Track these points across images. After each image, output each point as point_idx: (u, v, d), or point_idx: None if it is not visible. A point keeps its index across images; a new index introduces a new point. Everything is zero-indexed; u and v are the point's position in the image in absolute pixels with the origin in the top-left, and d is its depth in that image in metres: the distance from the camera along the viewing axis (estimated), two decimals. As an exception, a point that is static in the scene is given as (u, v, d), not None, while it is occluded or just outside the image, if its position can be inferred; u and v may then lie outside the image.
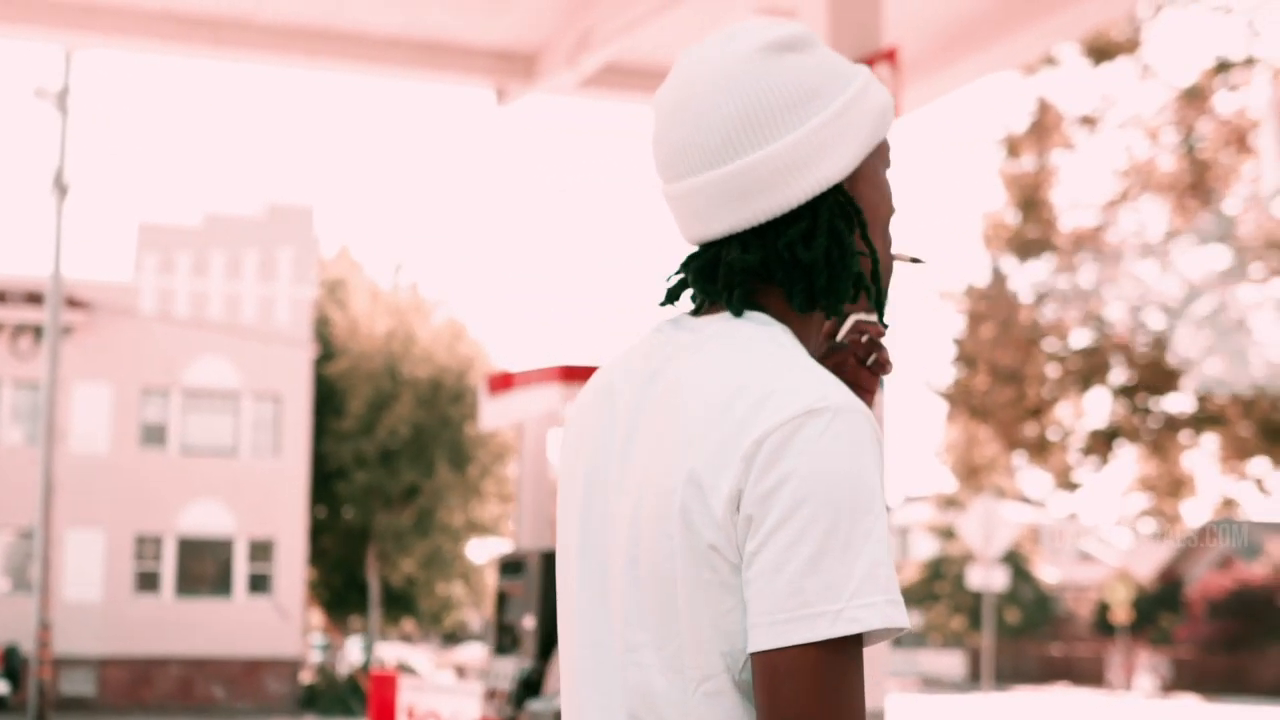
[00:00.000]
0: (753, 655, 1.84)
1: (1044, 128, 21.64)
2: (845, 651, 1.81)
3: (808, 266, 2.00)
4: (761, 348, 1.96)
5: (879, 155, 2.05)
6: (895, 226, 2.11)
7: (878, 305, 2.07)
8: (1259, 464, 22.00)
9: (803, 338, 2.04)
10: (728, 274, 2.03)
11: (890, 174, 2.09)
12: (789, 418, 1.85)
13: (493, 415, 11.92)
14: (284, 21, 11.20)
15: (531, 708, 9.71)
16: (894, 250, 2.12)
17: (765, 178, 1.99)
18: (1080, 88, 33.99)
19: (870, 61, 9.09)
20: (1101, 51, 20.37)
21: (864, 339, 2.18)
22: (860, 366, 2.17)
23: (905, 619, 1.82)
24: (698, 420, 1.92)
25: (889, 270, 2.09)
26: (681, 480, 1.90)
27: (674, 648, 1.92)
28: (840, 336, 2.20)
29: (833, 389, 1.88)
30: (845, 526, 1.81)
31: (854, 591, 1.80)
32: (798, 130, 1.98)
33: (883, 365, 2.17)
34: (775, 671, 1.82)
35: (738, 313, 2.01)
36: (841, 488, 1.82)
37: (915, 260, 2.20)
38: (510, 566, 10.93)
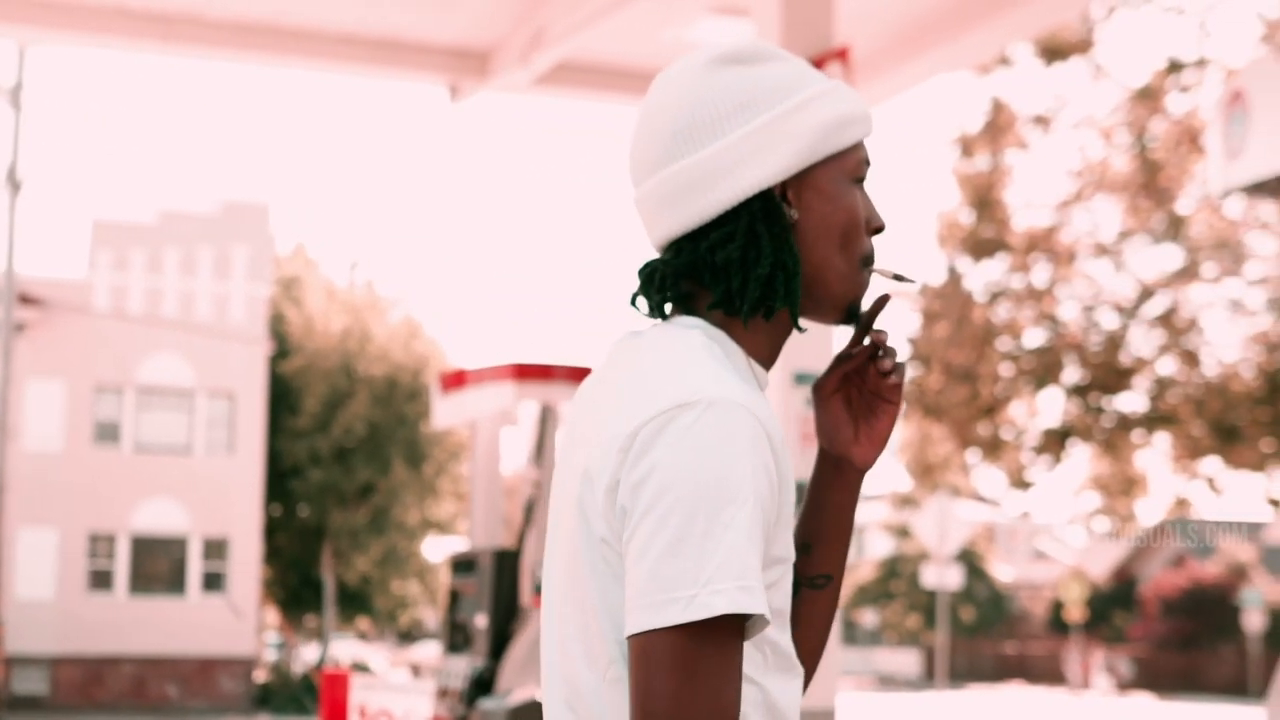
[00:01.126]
0: (626, 640, 1.93)
1: (998, 127, 21.70)
2: (706, 637, 1.86)
3: (724, 269, 2.08)
4: (670, 349, 2.05)
5: (836, 166, 2.12)
6: (866, 238, 2.17)
7: (791, 310, 2.11)
8: (1211, 463, 22.10)
9: (745, 342, 2.11)
10: (660, 279, 2.12)
11: (857, 186, 2.15)
12: (661, 411, 1.94)
13: (445, 413, 11.89)
14: (236, 17, 11.16)
15: (483, 706, 9.69)
16: (878, 265, 2.19)
17: (692, 183, 2.08)
18: (1034, 88, 34.09)
19: (821, 60, 9.10)
20: (1054, 51, 20.44)
21: (866, 347, 2.23)
22: (880, 377, 2.21)
23: (756, 605, 1.86)
24: (598, 420, 2.04)
25: (842, 278, 2.14)
26: (579, 476, 2.02)
27: (588, 638, 2.02)
28: (845, 349, 2.25)
29: (712, 384, 1.95)
30: (706, 515, 1.88)
31: (709, 578, 1.85)
32: (724, 139, 2.07)
33: (889, 373, 2.20)
34: (639, 655, 1.89)
35: (664, 317, 2.13)
36: (704, 478, 1.89)
37: (899, 277, 2.23)
38: (462, 565, 10.91)
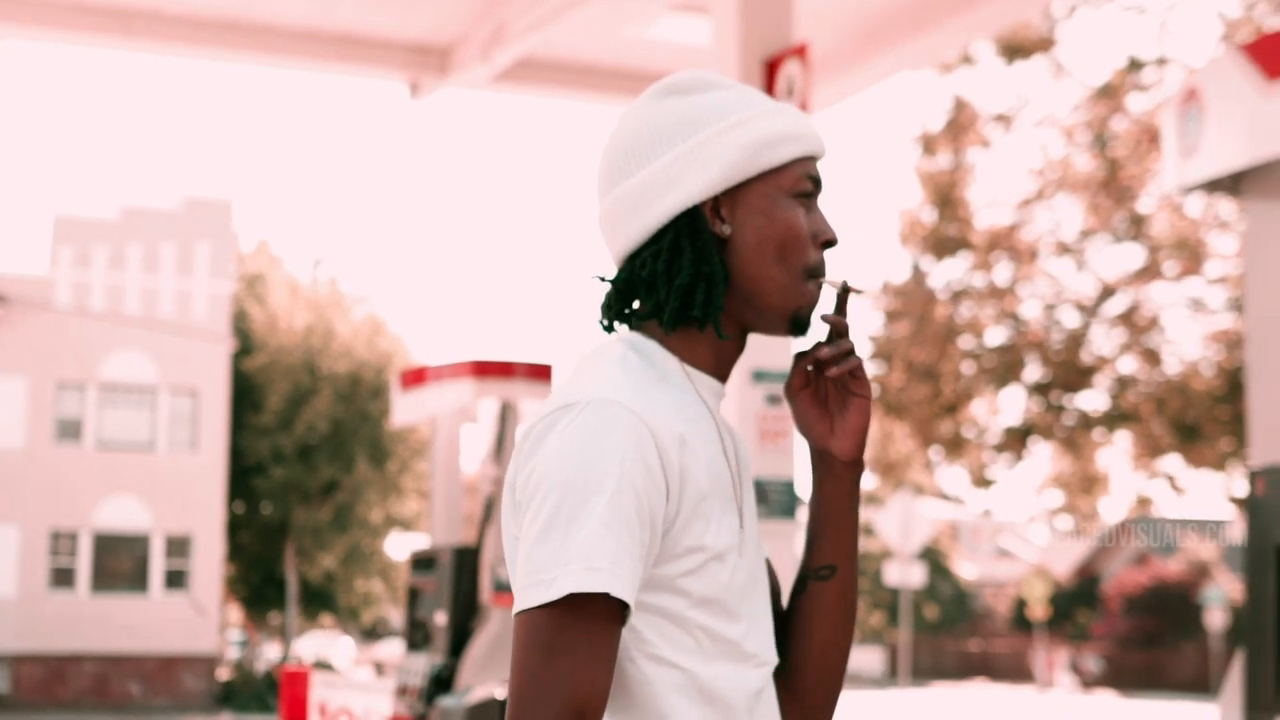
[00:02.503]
0: None
1: (959, 126, 21.73)
2: (567, 618, 2.01)
3: (651, 283, 2.25)
4: (586, 361, 2.23)
5: (770, 184, 2.25)
6: (813, 250, 2.28)
7: (703, 318, 2.23)
8: (1171, 462, 22.17)
9: (683, 351, 2.26)
10: (606, 297, 2.31)
11: (797, 201, 2.27)
12: (549, 413, 2.13)
13: (405, 411, 11.87)
14: (194, 12, 11.12)
15: (443, 704, 9.66)
16: (829, 278, 2.30)
17: (631, 204, 2.26)
18: (996, 86, 34.14)
19: (780, 58, 9.10)
20: (1016, 50, 20.48)
21: (824, 351, 2.31)
22: (852, 378, 2.30)
23: (598, 584, 2.00)
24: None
25: (780, 289, 2.25)
26: (508, 483, 2.18)
27: None
28: (815, 355, 2.32)
29: (599, 387, 2.12)
30: (570, 505, 2.04)
31: (567, 561, 2.01)
32: (656, 161, 2.24)
33: (851, 376, 2.30)
34: (514, 635, 2.06)
35: (608, 329, 2.30)
36: (571, 471, 2.06)
37: (848, 289, 2.31)
38: (422, 562, 10.88)
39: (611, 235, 2.29)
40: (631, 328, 2.30)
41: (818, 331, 2.31)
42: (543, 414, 2.13)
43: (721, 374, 2.28)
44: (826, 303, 2.32)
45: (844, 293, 2.31)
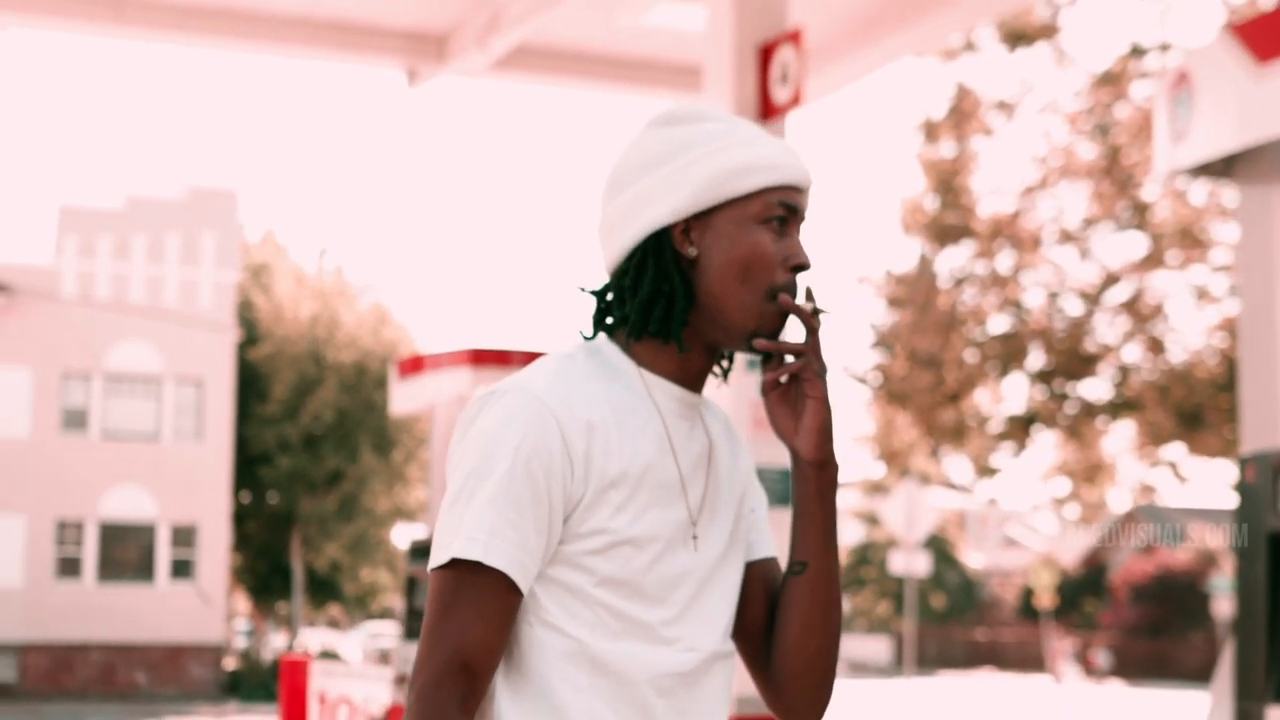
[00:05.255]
0: None
1: (962, 113, 21.66)
2: (460, 580, 2.28)
3: (619, 297, 2.45)
4: (546, 356, 2.44)
5: (738, 210, 2.41)
6: (780, 273, 2.40)
7: (660, 332, 2.41)
8: (1174, 449, 22.12)
9: (649, 360, 2.44)
10: (593, 309, 2.50)
11: (765, 227, 2.41)
12: (478, 399, 2.36)
13: (404, 399, 11.86)
14: (190, 0, 11.09)
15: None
16: (800, 300, 2.43)
17: (612, 225, 2.46)
18: (998, 73, 34.06)
19: (774, 44, 9.07)
20: (1019, 36, 20.41)
21: (766, 375, 2.47)
22: (816, 377, 2.43)
23: (475, 552, 2.26)
24: None
25: (741, 308, 2.40)
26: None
27: None
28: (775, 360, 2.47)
29: (526, 378, 2.35)
30: (473, 482, 2.30)
31: (457, 531, 2.28)
32: (635, 186, 2.44)
33: (801, 378, 2.44)
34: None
35: (589, 339, 2.48)
36: (479, 451, 2.31)
37: (816, 311, 2.43)
38: (421, 551, 10.88)
39: (602, 251, 2.49)
40: (610, 336, 2.48)
41: (793, 330, 2.43)
42: (475, 400, 2.36)
43: (687, 383, 2.45)
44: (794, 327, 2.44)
45: (810, 314, 2.41)
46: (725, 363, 2.52)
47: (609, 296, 2.47)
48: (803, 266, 2.42)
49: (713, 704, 2.44)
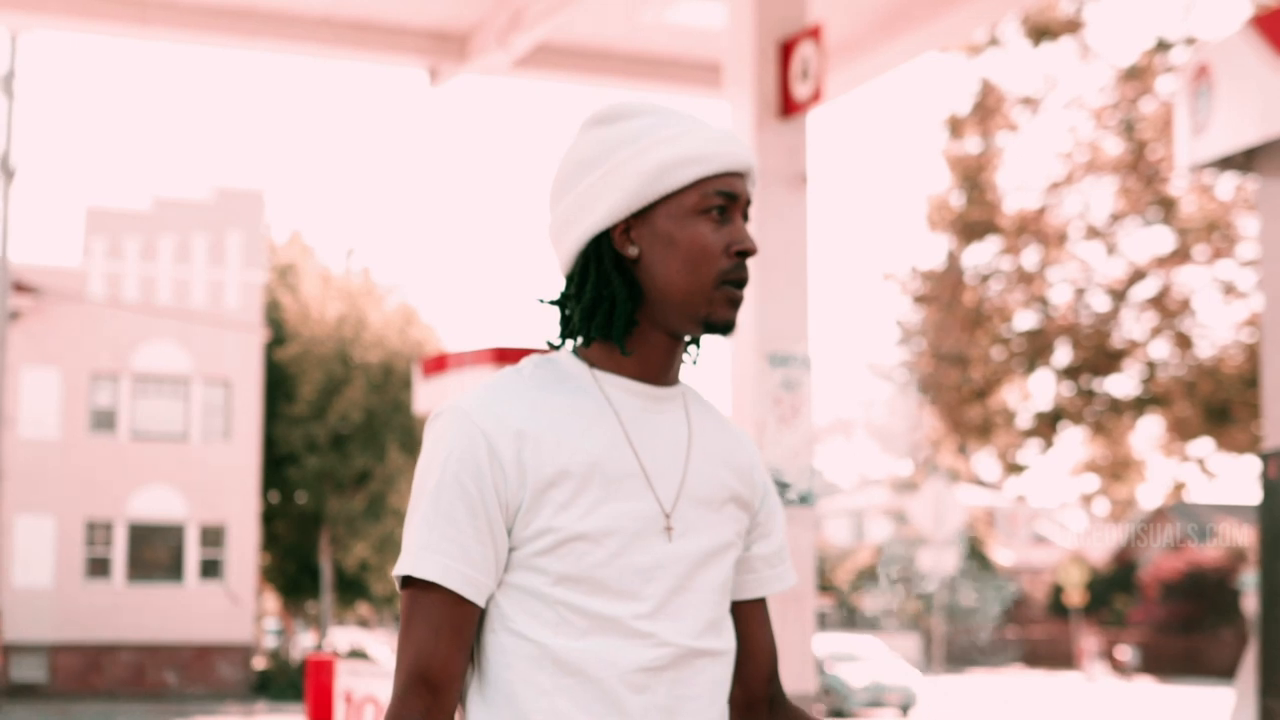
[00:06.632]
0: None
1: (986, 109, 21.59)
2: (414, 596, 2.37)
3: (564, 304, 2.49)
4: (499, 372, 2.49)
5: (674, 205, 2.43)
6: (725, 260, 2.44)
7: (604, 336, 2.45)
8: (1202, 445, 22.02)
9: (600, 359, 2.47)
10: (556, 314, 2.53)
11: (704, 218, 2.43)
12: (428, 421, 2.44)
13: (428, 398, 11.84)
14: (211, 0, 11.10)
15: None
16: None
17: (556, 232, 2.50)
18: (1023, 69, 33.95)
19: (794, 40, 9.04)
20: (1043, 32, 20.34)
21: None
22: None
23: (408, 567, 2.36)
24: None
25: (689, 297, 2.43)
26: None
27: None
28: None
29: (462, 396, 2.41)
30: (413, 502, 2.40)
31: (403, 551, 2.38)
32: (571, 193, 2.47)
33: None
34: None
35: (555, 347, 2.52)
36: (419, 472, 2.42)
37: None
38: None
39: (556, 257, 2.52)
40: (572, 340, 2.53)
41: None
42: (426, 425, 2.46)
43: (651, 377, 2.48)
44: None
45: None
46: (693, 348, 2.54)
47: (568, 303, 2.51)
48: (747, 252, 2.44)
49: (702, 702, 2.44)
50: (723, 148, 2.44)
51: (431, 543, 2.35)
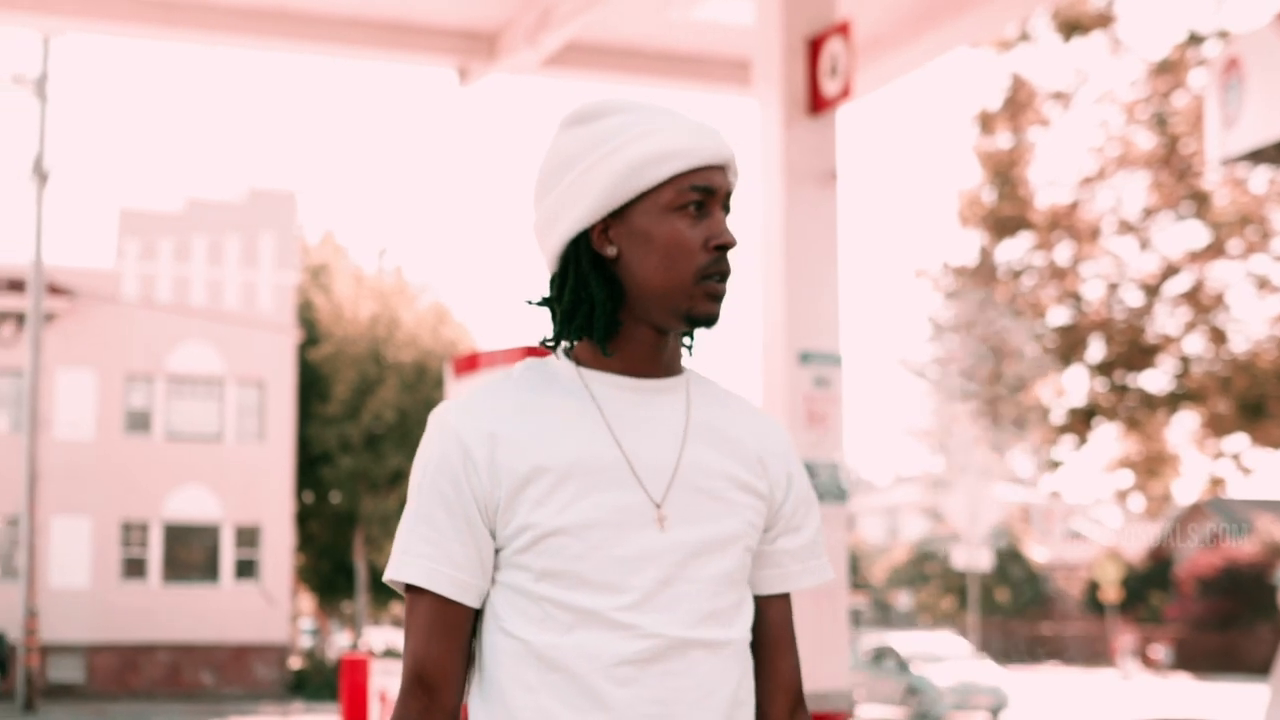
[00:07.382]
0: None
1: (1018, 104, 21.51)
2: (409, 598, 2.43)
3: (548, 305, 2.50)
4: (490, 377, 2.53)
5: (649, 202, 2.43)
6: (704, 254, 2.43)
7: (586, 336, 2.45)
8: (1238, 440, 21.91)
9: (588, 357, 2.48)
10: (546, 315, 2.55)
11: (681, 214, 2.43)
12: None
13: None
14: (240, 1, 11.12)
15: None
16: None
17: (538, 235, 2.51)
18: (1054, 63, 33.86)
19: (823, 36, 9.03)
20: (1074, 26, 20.25)
21: None
22: None
23: (392, 572, 2.41)
24: None
25: (669, 292, 2.42)
26: None
27: None
28: None
29: (448, 401, 2.46)
30: (407, 504, 2.44)
31: (393, 554, 2.45)
32: (549, 195, 2.48)
33: None
34: None
35: (551, 347, 2.53)
36: (411, 475, 2.47)
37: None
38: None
39: (542, 259, 2.53)
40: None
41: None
42: None
43: (638, 370, 2.48)
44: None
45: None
46: (687, 339, 2.53)
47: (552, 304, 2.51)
48: (726, 246, 2.43)
49: (699, 694, 2.41)
50: (697, 142, 2.44)
51: (413, 547, 2.40)
